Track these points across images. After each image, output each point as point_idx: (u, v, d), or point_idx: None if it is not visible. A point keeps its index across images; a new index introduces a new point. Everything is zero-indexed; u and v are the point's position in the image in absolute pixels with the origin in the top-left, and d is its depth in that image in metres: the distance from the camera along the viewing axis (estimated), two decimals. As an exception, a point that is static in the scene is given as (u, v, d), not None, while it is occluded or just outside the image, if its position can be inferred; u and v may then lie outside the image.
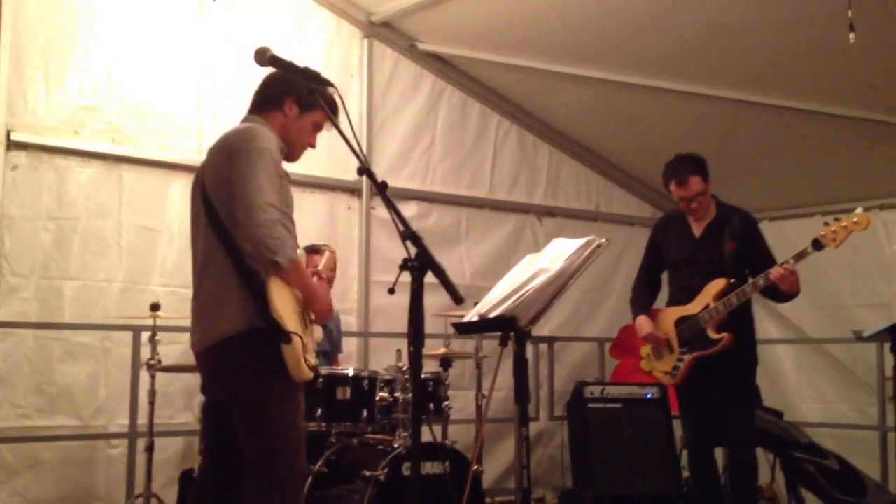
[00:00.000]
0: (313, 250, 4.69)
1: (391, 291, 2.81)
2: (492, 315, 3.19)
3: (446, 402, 4.81)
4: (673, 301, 4.72)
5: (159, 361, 4.84)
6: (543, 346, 6.82)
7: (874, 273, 6.69)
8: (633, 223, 7.70)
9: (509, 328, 3.13)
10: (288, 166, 5.45)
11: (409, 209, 6.55)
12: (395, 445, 4.39)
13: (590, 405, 5.84)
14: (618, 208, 7.79)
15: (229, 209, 3.01)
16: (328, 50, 6.35)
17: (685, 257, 4.66)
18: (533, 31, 6.13)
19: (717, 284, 4.48)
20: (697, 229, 4.66)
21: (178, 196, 5.68)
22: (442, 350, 5.11)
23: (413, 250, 2.71)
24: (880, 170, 6.51)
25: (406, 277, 2.73)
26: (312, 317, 3.25)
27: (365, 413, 4.53)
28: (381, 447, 4.47)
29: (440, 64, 6.83)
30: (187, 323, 5.31)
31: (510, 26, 6.16)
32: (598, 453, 5.72)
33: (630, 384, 6.02)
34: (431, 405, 4.76)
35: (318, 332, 3.46)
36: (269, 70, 3.19)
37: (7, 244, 5.13)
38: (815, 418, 6.76)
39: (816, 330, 6.94)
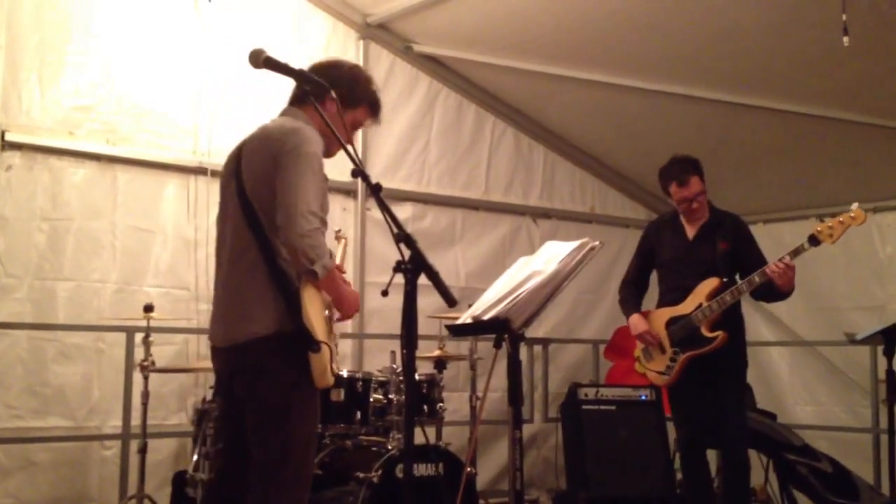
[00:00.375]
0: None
1: (384, 293, 2.81)
2: (486, 317, 3.19)
3: (440, 404, 4.82)
4: (664, 301, 4.74)
5: (153, 363, 4.84)
6: (538, 348, 6.82)
7: (868, 275, 6.70)
8: (627, 225, 7.71)
9: (503, 330, 3.13)
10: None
11: (404, 210, 6.55)
12: (389, 447, 4.39)
13: (584, 407, 5.85)
14: (613, 210, 7.80)
15: (269, 209, 2.98)
16: (324, 51, 6.33)
17: (678, 257, 4.70)
18: (528, 33, 6.14)
19: (710, 284, 4.51)
20: (691, 231, 4.70)
21: (172, 197, 5.68)
22: (436, 352, 5.11)
23: (407, 252, 2.70)
24: (874, 172, 6.53)
25: (401, 279, 2.73)
26: (337, 315, 3.22)
27: (359, 415, 4.54)
28: (374, 449, 4.48)
29: (436, 65, 6.83)
30: (181, 324, 5.39)
31: (506, 28, 6.16)
32: (592, 455, 5.73)
33: (624, 386, 6.02)
34: (425, 407, 4.76)
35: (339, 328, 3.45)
36: (265, 71, 3.18)
37: (1, 245, 5.13)
38: (808, 421, 6.77)
39: (810, 332, 6.95)
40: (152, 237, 5.61)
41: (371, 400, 4.56)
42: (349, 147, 2.92)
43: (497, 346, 3.18)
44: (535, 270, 3.20)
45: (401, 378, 4.47)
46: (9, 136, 5.16)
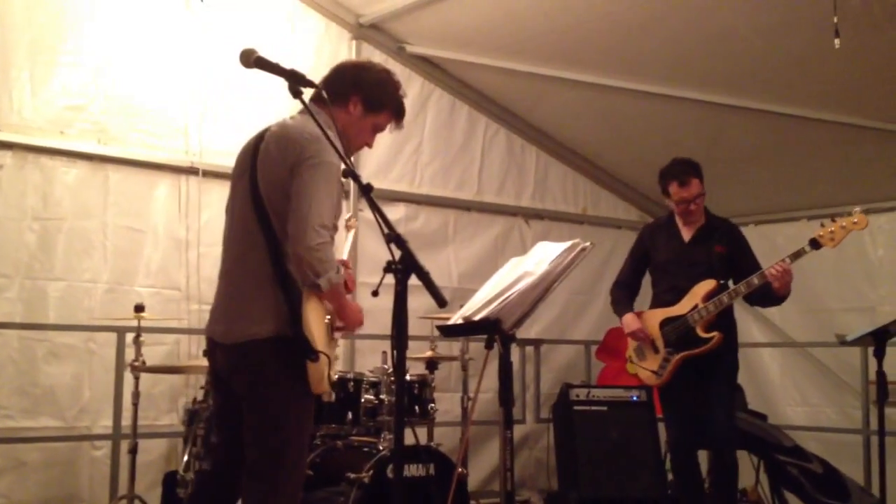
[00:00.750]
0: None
1: (375, 294, 2.82)
2: (476, 318, 3.19)
3: (432, 405, 4.81)
4: (658, 302, 4.75)
5: (143, 363, 4.83)
6: (530, 349, 6.82)
7: (859, 277, 6.72)
8: (620, 226, 7.71)
9: (494, 331, 3.14)
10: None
11: (396, 211, 6.55)
12: (381, 448, 4.38)
13: (576, 408, 5.86)
14: (605, 211, 7.81)
15: (281, 213, 2.98)
16: (316, 51, 6.34)
17: (674, 259, 4.72)
18: (521, 34, 6.14)
19: (706, 285, 4.53)
20: (687, 234, 4.73)
21: (163, 197, 5.67)
22: (428, 352, 5.11)
23: (397, 253, 2.70)
24: (866, 174, 6.55)
25: (392, 280, 2.73)
26: (339, 323, 3.24)
27: (350, 415, 4.53)
28: (366, 449, 4.47)
29: (428, 66, 6.83)
30: (172, 324, 5.38)
31: (499, 29, 6.16)
32: (583, 456, 5.74)
33: (616, 387, 6.03)
34: (417, 407, 4.75)
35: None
36: (257, 71, 3.17)
37: (-9, 244, 5.11)
38: (799, 422, 6.78)
39: (801, 334, 6.97)
40: (143, 237, 5.59)
41: (362, 400, 4.55)
42: (339, 147, 2.91)
43: (488, 346, 3.18)
44: (526, 271, 3.21)
45: (392, 378, 4.46)
46: (0, 136, 5.14)
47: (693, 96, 6.22)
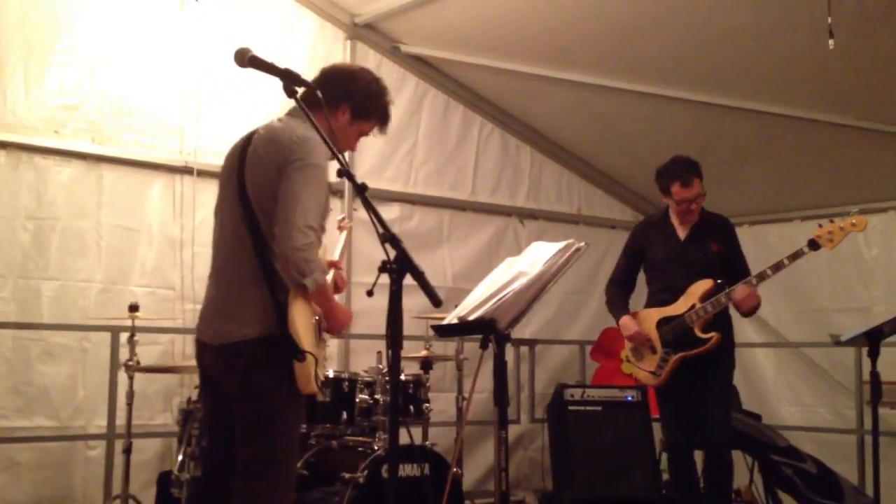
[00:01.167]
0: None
1: (370, 294, 2.81)
2: (471, 318, 3.19)
3: (426, 405, 4.81)
4: (654, 301, 4.75)
5: (138, 362, 4.82)
6: (524, 349, 6.83)
7: (853, 277, 6.73)
8: (614, 226, 7.72)
9: (489, 331, 3.14)
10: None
11: (391, 211, 6.55)
12: (375, 447, 4.38)
13: (570, 408, 5.85)
14: (599, 212, 7.81)
15: (270, 214, 3.00)
16: (311, 51, 6.34)
17: (670, 258, 4.71)
18: (516, 34, 6.14)
19: (704, 285, 4.53)
20: (682, 232, 4.72)
21: (158, 196, 5.66)
22: (422, 352, 5.11)
23: (392, 252, 2.71)
24: (859, 175, 6.56)
25: (386, 279, 2.73)
26: (325, 325, 3.24)
27: (345, 415, 4.53)
28: (360, 449, 4.47)
29: (423, 66, 6.83)
30: (166, 324, 5.38)
31: (493, 29, 6.17)
32: (578, 456, 5.73)
33: (611, 387, 6.04)
34: (412, 407, 4.75)
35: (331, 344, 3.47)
36: (252, 70, 3.17)
37: (-15, 243, 5.10)
38: (793, 422, 6.79)
39: (795, 334, 6.98)
40: (138, 237, 5.58)
41: (357, 400, 4.55)
42: (334, 147, 2.91)
43: (483, 346, 3.18)
44: (520, 271, 3.21)
45: (387, 378, 4.46)
46: (-7, 135, 5.14)
47: (688, 97, 6.23)
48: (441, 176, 6.95)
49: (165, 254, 5.64)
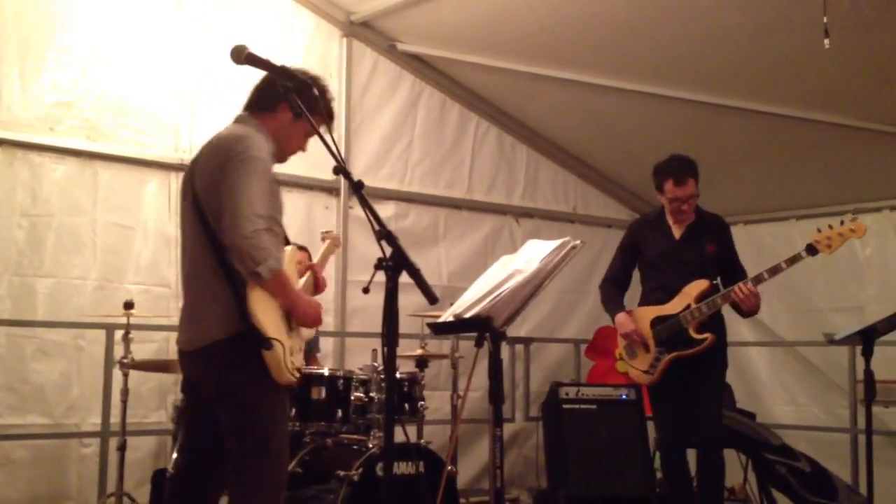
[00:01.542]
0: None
1: (366, 291, 2.82)
2: (467, 315, 3.19)
3: (421, 403, 4.81)
4: (648, 299, 4.74)
5: (133, 360, 4.81)
6: (520, 347, 6.83)
7: (847, 277, 6.75)
8: (610, 225, 7.72)
9: (484, 328, 3.14)
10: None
11: (386, 209, 6.54)
12: (370, 445, 4.38)
13: (565, 406, 5.86)
14: (595, 210, 7.82)
15: (219, 215, 3.03)
16: (307, 49, 6.33)
17: (665, 256, 4.69)
18: (512, 32, 6.14)
19: (699, 286, 4.52)
20: (677, 231, 4.70)
21: (153, 194, 5.66)
22: (418, 350, 5.11)
23: (388, 250, 2.71)
24: (854, 174, 6.58)
25: (382, 277, 2.73)
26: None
27: (340, 413, 4.52)
28: (355, 447, 4.47)
29: (419, 64, 6.83)
30: (161, 321, 5.37)
31: (490, 28, 6.17)
32: (572, 454, 5.75)
33: (605, 385, 6.05)
34: (407, 405, 4.75)
35: (309, 331, 3.47)
36: (247, 68, 3.18)
37: (-20, 241, 5.09)
38: (787, 420, 6.81)
39: (789, 333, 6.99)
40: (133, 234, 5.57)
41: (352, 398, 4.55)
42: (331, 144, 2.91)
43: (478, 344, 3.18)
44: (516, 269, 3.21)
45: (382, 376, 4.46)
46: (-11, 132, 5.13)
47: (683, 96, 6.23)
48: (437, 174, 6.95)
49: (160, 251, 5.63)
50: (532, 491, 6.56)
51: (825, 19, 4.40)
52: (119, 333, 4.92)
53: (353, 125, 6.51)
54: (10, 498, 5.08)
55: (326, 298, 6.31)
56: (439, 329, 3.49)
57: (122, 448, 4.82)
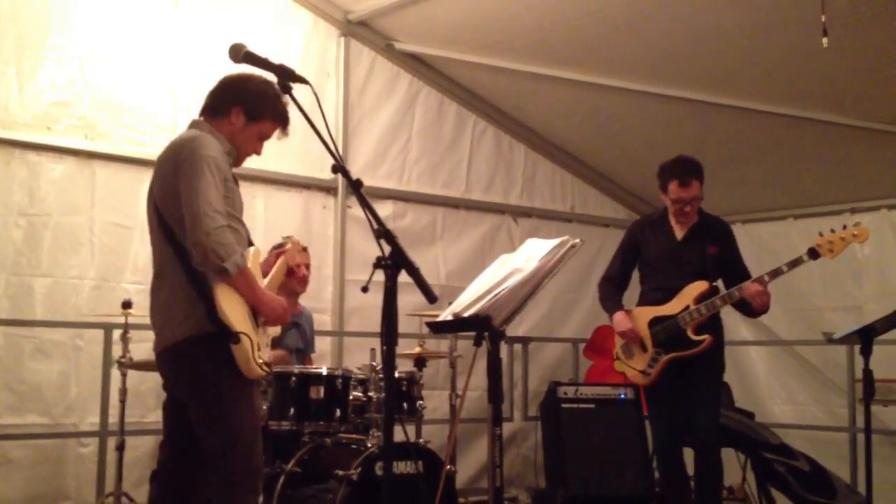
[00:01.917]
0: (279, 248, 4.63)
1: (364, 290, 2.82)
2: (466, 314, 3.18)
3: (420, 402, 4.80)
4: (647, 299, 4.73)
5: (131, 359, 4.81)
6: (518, 347, 6.83)
7: (845, 276, 6.75)
8: (607, 225, 7.72)
9: (483, 327, 3.13)
10: (264, 164, 5.47)
11: (384, 209, 6.54)
12: (369, 445, 4.38)
13: (563, 405, 5.86)
14: (593, 210, 7.82)
15: (178, 217, 3.12)
16: (304, 48, 6.32)
17: (665, 257, 4.68)
18: (510, 32, 6.14)
19: (699, 287, 4.51)
20: (679, 232, 4.70)
21: (151, 193, 5.64)
22: (416, 350, 5.11)
23: (387, 249, 2.71)
24: (852, 173, 6.58)
25: (381, 276, 2.73)
26: (262, 319, 3.34)
27: (338, 412, 4.51)
28: (354, 447, 4.46)
29: (417, 63, 6.82)
30: (159, 321, 5.32)
31: (487, 27, 6.16)
32: (571, 453, 5.74)
33: (604, 385, 6.04)
34: (405, 405, 4.74)
35: (275, 329, 3.53)
36: (245, 67, 3.18)
37: (-23, 240, 5.08)
38: (785, 419, 6.81)
39: (788, 332, 6.99)
40: (131, 233, 5.56)
41: (351, 397, 4.54)
42: (329, 142, 2.91)
43: (477, 343, 3.18)
44: (515, 268, 3.20)
45: (380, 375, 4.46)
46: (-14, 131, 5.12)
47: (681, 95, 6.24)
48: (434, 173, 6.95)
49: (158, 251, 5.61)
50: (530, 490, 6.56)
51: (823, 18, 4.40)
52: (117, 333, 4.92)
53: (350, 124, 6.50)
54: (8, 498, 5.07)
55: (324, 298, 6.31)
56: (438, 328, 3.49)
57: (120, 448, 4.81)
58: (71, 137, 5.40)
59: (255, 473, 3.26)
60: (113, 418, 4.99)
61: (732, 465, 5.70)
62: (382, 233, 2.70)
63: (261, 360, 3.22)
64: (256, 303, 3.24)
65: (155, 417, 5.46)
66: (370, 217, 2.75)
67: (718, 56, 5.81)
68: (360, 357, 5.42)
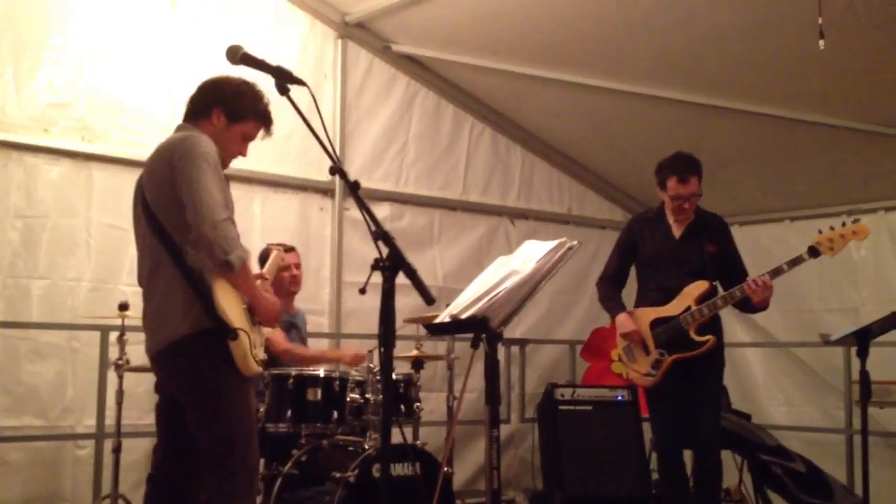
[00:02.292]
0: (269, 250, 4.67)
1: (362, 291, 2.83)
2: (464, 316, 3.18)
3: (417, 404, 4.80)
4: (646, 300, 4.70)
5: (127, 361, 4.81)
6: (515, 349, 6.82)
7: (842, 278, 6.75)
8: (604, 226, 7.73)
9: (481, 329, 3.13)
10: (261, 166, 5.46)
11: (381, 210, 6.54)
12: (366, 447, 4.37)
13: (561, 407, 5.86)
14: (590, 211, 7.82)
15: (171, 215, 3.12)
16: (302, 50, 6.33)
17: (664, 256, 4.65)
18: (507, 34, 6.15)
19: (699, 287, 4.49)
20: (677, 230, 4.67)
21: (148, 195, 5.63)
22: (413, 352, 5.10)
23: (385, 250, 2.71)
24: (849, 176, 6.58)
25: (379, 278, 2.72)
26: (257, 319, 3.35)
27: (335, 414, 4.51)
28: (351, 449, 4.46)
29: (414, 65, 6.83)
30: (156, 323, 5.32)
31: (485, 29, 6.17)
32: (568, 455, 5.74)
33: (601, 387, 6.04)
34: (402, 406, 4.74)
35: (267, 330, 3.57)
36: (243, 68, 3.18)
37: (-26, 242, 5.07)
38: (782, 421, 6.81)
39: (785, 334, 7.00)
40: (127, 235, 5.43)
41: (348, 399, 4.54)
42: (327, 144, 2.91)
43: (474, 345, 3.18)
44: (513, 269, 3.20)
45: (378, 377, 4.45)
46: (-17, 133, 5.11)
47: (677, 97, 6.24)
48: (432, 175, 6.95)
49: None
50: (528, 492, 6.56)
51: (820, 20, 4.40)
52: (114, 335, 4.90)
53: (347, 126, 6.50)
54: (4, 500, 5.06)
55: (322, 300, 6.31)
56: (436, 330, 3.49)
57: (117, 450, 4.81)
58: (68, 139, 5.40)
59: (252, 472, 3.26)
60: (109, 420, 4.99)
61: (729, 466, 5.70)
62: (380, 234, 2.70)
63: (258, 358, 3.23)
64: (254, 300, 3.24)
65: (151, 419, 5.39)
66: (368, 219, 2.75)
67: (715, 58, 5.81)
68: (358, 359, 5.41)
